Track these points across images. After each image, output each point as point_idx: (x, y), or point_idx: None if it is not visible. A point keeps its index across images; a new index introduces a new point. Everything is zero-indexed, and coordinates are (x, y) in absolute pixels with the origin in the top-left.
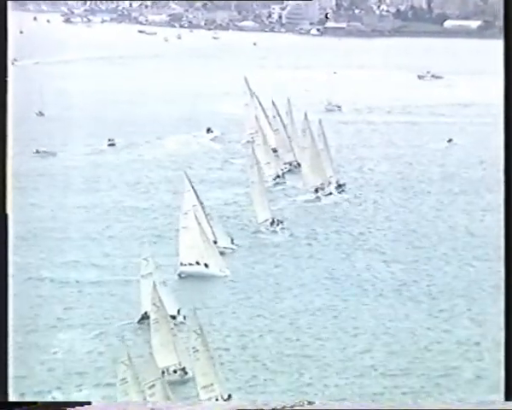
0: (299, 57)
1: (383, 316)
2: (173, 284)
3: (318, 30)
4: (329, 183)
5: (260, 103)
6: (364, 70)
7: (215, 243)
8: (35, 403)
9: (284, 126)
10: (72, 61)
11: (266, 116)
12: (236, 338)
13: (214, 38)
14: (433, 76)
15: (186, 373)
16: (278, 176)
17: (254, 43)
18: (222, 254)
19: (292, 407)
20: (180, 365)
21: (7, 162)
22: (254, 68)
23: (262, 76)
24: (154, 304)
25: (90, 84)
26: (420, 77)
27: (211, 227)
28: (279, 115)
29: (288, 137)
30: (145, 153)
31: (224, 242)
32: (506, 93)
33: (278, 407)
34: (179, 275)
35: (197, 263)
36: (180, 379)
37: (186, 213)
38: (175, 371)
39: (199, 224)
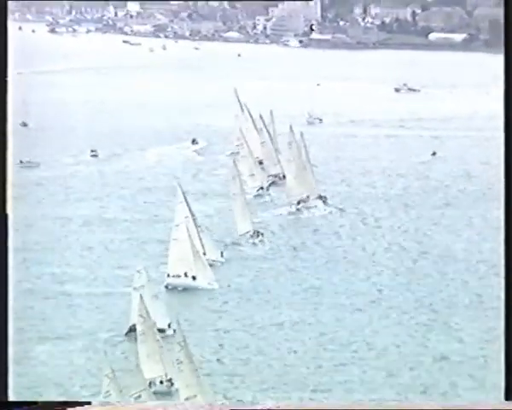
0: (282, 69)
1: (359, 329)
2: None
3: (301, 42)
4: (312, 196)
5: (251, 115)
6: (347, 82)
7: (204, 255)
8: (35, 403)
9: (271, 139)
10: (56, 72)
11: (254, 128)
12: (213, 350)
13: (196, 48)
14: (409, 89)
15: (172, 384)
16: (262, 188)
17: (239, 55)
18: (210, 266)
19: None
20: (166, 376)
21: (7, 163)
22: (238, 80)
23: (245, 87)
24: (140, 315)
25: (75, 95)
26: (396, 90)
27: (200, 239)
28: (266, 127)
29: (275, 150)
30: (127, 164)
31: (213, 254)
32: (506, 103)
33: (273, 408)
34: (166, 287)
35: (185, 275)
36: (167, 390)
37: (177, 225)
38: (161, 382)
39: (189, 236)
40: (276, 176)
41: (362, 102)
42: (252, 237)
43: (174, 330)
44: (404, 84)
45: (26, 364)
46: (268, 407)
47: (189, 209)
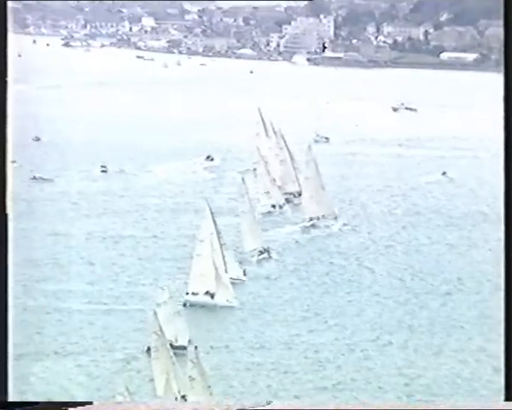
0: (293, 86)
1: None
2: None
3: (314, 59)
4: (326, 215)
5: (267, 133)
6: (357, 101)
7: (226, 272)
8: (37, 403)
9: (291, 157)
10: (69, 86)
11: (272, 145)
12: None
13: (201, 64)
14: (406, 108)
15: (186, 401)
16: (274, 206)
17: (251, 71)
18: (231, 284)
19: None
20: (179, 392)
21: (7, 163)
22: (249, 97)
23: (255, 105)
24: (154, 332)
25: (88, 110)
26: (394, 109)
27: (223, 257)
28: (286, 146)
29: (294, 169)
30: (135, 180)
31: (234, 272)
32: (506, 123)
33: (275, 408)
34: (184, 304)
35: (207, 293)
36: None
37: (202, 241)
38: (175, 399)
39: (212, 252)
40: (291, 194)
41: (370, 121)
42: (258, 254)
43: (196, 347)
44: (402, 104)
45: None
46: (273, 408)
47: (215, 226)
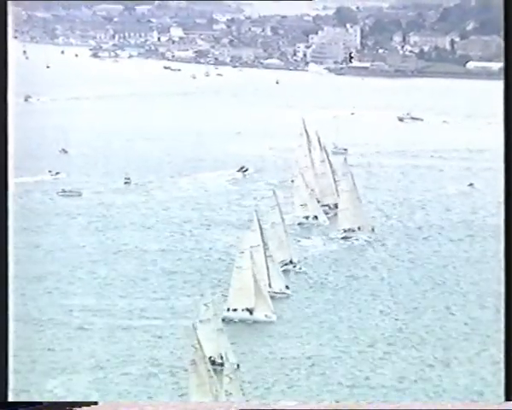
0: (318, 96)
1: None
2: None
3: (342, 69)
4: (362, 227)
5: (310, 146)
6: (382, 111)
7: (269, 286)
8: (40, 403)
9: (333, 171)
10: (96, 98)
11: (312, 160)
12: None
13: (218, 74)
14: (412, 118)
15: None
16: (307, 217)
17: (277, 82)
18: (272, 298)
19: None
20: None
21: (8, 163)
22: (273, 108)
23: (279, 116)
24: (192, 346)
25: (115, 121)
26: (400, 119)
27: (268, 269)
28: (328, 157)
29: (335, 181)
30: (157, 192)
31: (277, 286)
32: (506, 134)
33: (277, 408)
34: (223, 320)
35: (247, 309)
36: None
37: (242, 253)
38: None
39: (253, 264)
40: (327, 206)
41: (394, 131)
42: (286, 265)
43: (238, 365)
44: (408, 114)
45: None
46: (272, 408)
47: (262, 238)
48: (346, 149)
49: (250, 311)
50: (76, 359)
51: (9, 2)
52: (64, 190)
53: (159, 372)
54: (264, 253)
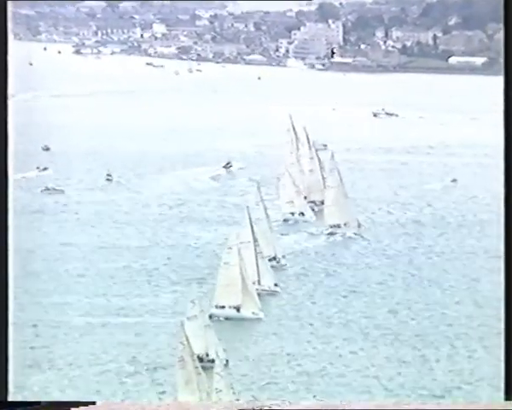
0: (299, 92)
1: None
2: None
3: (323, 65)
4: (348, 223)
5: (298, 143)
6: (363, 107)
7: (259, 283)
8: (38, 403)
9: (321, 168)
10: (78, 95)
11: (298, 156)
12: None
13: (200, 70)
14: (387, 113)
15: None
16: (292, 213)
17: (259, 78)
18: (260, 295)
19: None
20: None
21: (8, 163)
22: (255, 104)
23: (258, 112)
24: (180, 342)
25: (96, 118)
26: (375, 115)
27: (257, 266)
28: (317, 155)
29: (323, 178)
30: (138, 190)
31: (267, 283)
32: (506, 129)
33: (276, 408)
34: (210, 316)
35: (234, 307)
36: None
37: (230, 249)
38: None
39: (240, 261)
40: (313, 202)
41: (374, 127)
42: (270, 261)
43: (226, 361)
44: (382, 109)
45: None
46: (271, 408)
47: (253, 234)
48: (325, 145)
49: (237, 308)
50: (54, 356)
51: (9, 3)
52: (47, 188)
53: (135, 372)
54: (255, 249)
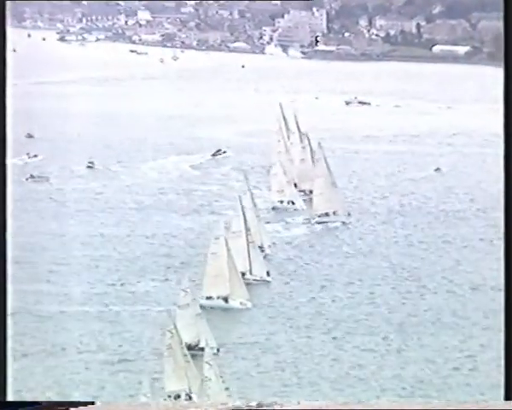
0: (283, 80)
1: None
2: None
3: (306, 53)
4: (337, 211)
5: (288, 131)
6: (346, 95)
7: (250, 273)
8: (38, 403)
9: (312, 157)
10: (62, 82)
11: (286, 145)
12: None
13: (184, 58)
14: (359, 102)
15: (190, 398)
16: (281, 201)
17: (243, 66)
18: (248, 284)
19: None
20: (190, 390)
21: (6, 163)
22: (239, 92)
23: (239, 101)
24: (169, 331)
25: (80, 106)
26: (347, 103)
27: (249, 256)
28: (310, 144)
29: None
30: (122, 177)
31: (259, 272)
32: (506, 119)
33: (276, 407)
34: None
35: (222, 298)
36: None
37: (217, 239)
38: (179, 396)
39: (228, 250)
40: (303, 191)
41: (357, 116)
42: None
43: (218, 350)
44: (355, 98)
45: None
46: (270, 407)
47: (245, 223)
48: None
49: (225, 299)
50: (29, 344)
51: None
52: (32, 176)
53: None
54: (246, 238)
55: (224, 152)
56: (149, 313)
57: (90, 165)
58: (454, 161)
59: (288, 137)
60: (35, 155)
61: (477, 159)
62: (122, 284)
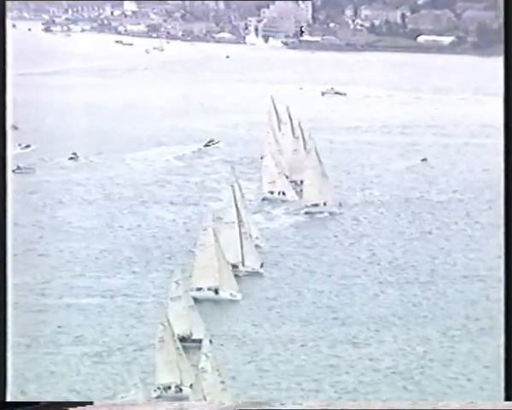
0: (267, 71)
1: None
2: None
3: (285, 43)
4: (328, 202)
5: (279, 121)
6: (330, 85)
7: (243, 265)
8: (37, 403)
9: (305, 147)
10: (48, 73)
11: (276, 137)
12: None
13: (169, 49)
14: (336, 93)
15: (181, 391)
16: (272, 192)
17: (227, 56)
18: (237, 276)
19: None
20: (181, 383)
21: (6, 161)
22: (223, 82)
23: (229, 90)
24: (161, 324)
25: (65, 97)
26: (323, 93)
27: (242, 247)
28: (302, 135)
29: (308, 152)
30: (104, 169)
31: (252, 264)
32: (506, 111)
33: (277, 408)
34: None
35: (212, 289)
36: (174, 395)
37: (205, 230)
38: (169, 388)
39: (216, 241)
40: (294, 182)
41: (341, 106)
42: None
43: (210, 341)
44: (332, 88)
45: None
46: (271, 407)
47: (237, 214)
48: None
49: (215, 290)
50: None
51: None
52: (19, 167)
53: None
54: (239, 230)
55: (218, 142)
56: (130, 305)
57: (73, 157)
58: (438, 152)
59: (280, 128)
60: (27, 146)
61: (461, 149)
62: (98, 277)
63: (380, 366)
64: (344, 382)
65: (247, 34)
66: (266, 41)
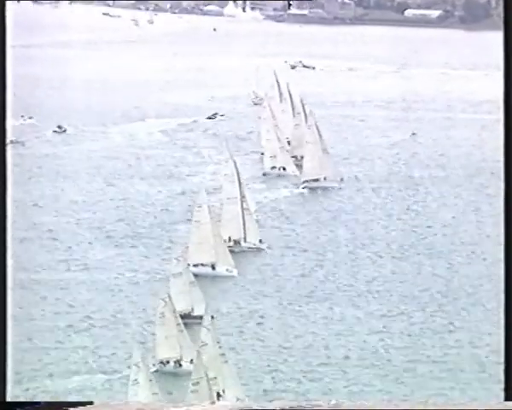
0: (253, 44)
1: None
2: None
3: (280, 16)
4: (328, 177)
5: (281, 96)
6: (318, 60)
7: (245, 241)
8: (37, 403)
9: (306, 122)
10: (35, 46)
11: (282, 110)
12: None
13: (149, 21)
14: (304, 66)
15: (180, 366)
16: (274, 167)
17: (214, 29)
18: (232, 252)
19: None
20: (181, 358)
21: (6, 158)
22: (209, 55)
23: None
24: (162, 299)
25: (53, 70)
26: (292, 67)
27: (244, 224)
28: (304, 111)
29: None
30: (88, 143)
31: (252, 239)
32: (506, 90)
33: (278, 408)
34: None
35: (209, 265)
36: (173, 370)
37: (200, 207)
38: (167, 362)
39: (211, 218)
40: (294, 157)
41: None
42: None
43: (212, 317)
44: (300, 61)
45: None
46: (272, 407)
47: (240, 190)
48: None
49: (212, 266)
50: None
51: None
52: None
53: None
54: (241, 205)
55: (222, 115)
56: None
57: (58, 130)
58: (423, 126)
59: (281, 102)
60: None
61: (446, 124)
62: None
63: None
64: None
65: (235, 6)
66: (261, 14)
